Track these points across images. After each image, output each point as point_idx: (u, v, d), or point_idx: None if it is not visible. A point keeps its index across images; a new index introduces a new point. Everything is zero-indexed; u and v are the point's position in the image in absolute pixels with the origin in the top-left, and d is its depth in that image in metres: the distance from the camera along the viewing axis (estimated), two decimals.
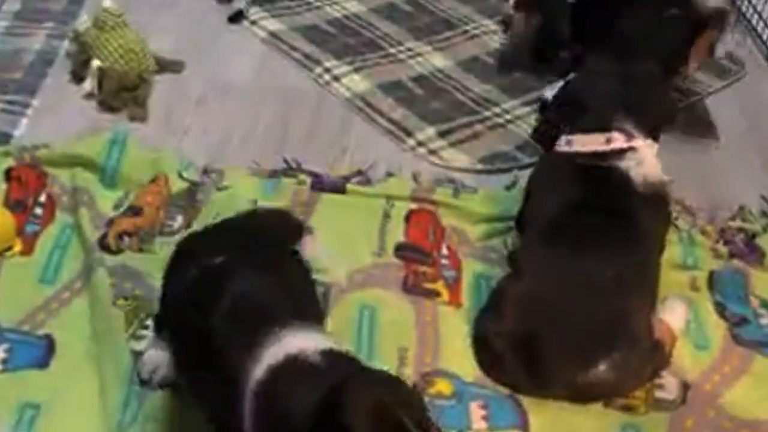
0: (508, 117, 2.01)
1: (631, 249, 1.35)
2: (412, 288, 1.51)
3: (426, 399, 1.27)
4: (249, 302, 1.12)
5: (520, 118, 2.01)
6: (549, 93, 1.88)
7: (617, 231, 1.36)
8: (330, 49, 2.19)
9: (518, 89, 2.10)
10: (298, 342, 1.03)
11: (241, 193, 1.66)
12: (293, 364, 1.01)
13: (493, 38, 2.31)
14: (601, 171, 1.41)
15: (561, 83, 1.83)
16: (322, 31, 2.27)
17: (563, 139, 1.46)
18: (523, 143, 1.91)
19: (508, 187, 1.78)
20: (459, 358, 1.39)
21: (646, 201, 1.39)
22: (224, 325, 1.09)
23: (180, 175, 1.69)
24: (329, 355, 1.02)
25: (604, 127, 1.43)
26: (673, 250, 1.58)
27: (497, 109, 2.03)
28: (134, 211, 1.61)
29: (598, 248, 1.34)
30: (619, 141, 1.42)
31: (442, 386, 1.34)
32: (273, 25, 2.27)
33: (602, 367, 1.29)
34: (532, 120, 1.97)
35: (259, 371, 1.01)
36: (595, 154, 1.42)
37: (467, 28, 2.34)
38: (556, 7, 2.04)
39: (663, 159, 1.45)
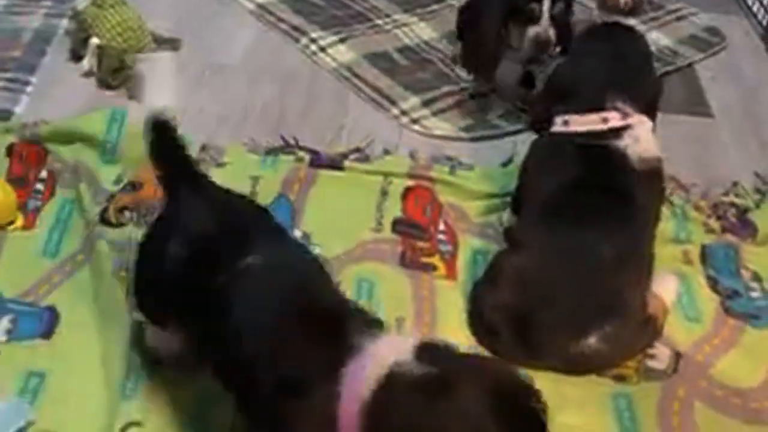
0: (491, 87, 1.98)
1: (628, 226, 1.35)
2: (409, 262, 1.51)
3: None
4: (311, 310, 1.03)
5: None
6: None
7: (615, 208, 1.36)
8: (317, 20, 2.19)
9: None
10: (384, 348, 0.94)
11: (239, 170, 1.65)
12: (401, 374, 0.91)
13: None
14: (598, 150, 1.40)
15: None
16: (310, 2, 2.27)
17: (559, 120, 1.45)
18: (505, 112, 1.92)
19: (505, 164, 1.77)
20: (454, 330, 1.39)
21: (643, 178, 1.38)
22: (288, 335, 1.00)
23: None
24: (425, 351, 0.93)
25: (599, 107, 1.42)
26: (666, 225, 1.58)
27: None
28: (134, 186, 1.59)
29: (595, 225, 1.34)
30: (614, 119, 1.40)
31: None
32: None
33: (594, 339, 1.29)
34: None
35: (359, 390, 0.91)
36: (592, 134, 1.41)
37: (453, 1, 2.31)
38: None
39: (658, 136, 1.44)
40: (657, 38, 2.22)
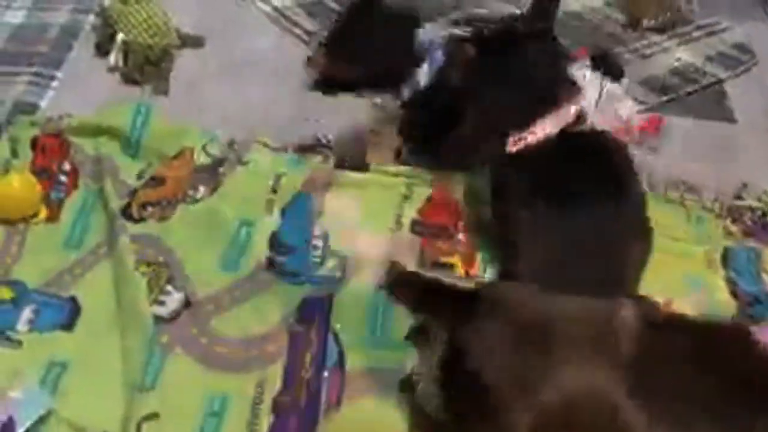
0: None
1: (624, 203, 1.32)
2: (428, 261, 1.48)
3: None
4: None
5: None
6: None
7: (608, 192, 1.32)
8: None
9: None
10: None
11: (263, 168, 1.61)
12: None
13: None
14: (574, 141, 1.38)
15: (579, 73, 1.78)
16: (327, 7, 2.20)
17: (516, 137, 1.38)
18: None
19: None
20: None
21: (616, 152, 1.38)
22: None
23: (204, 149, 1.63)
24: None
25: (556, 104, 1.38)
26: (684, 229, 1.55)
27: None
28: (157, 181, 1.57)
29: (594, 213, 1.29)
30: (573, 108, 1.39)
31: None
32: (278, 1, 2.19)
33: None
34: None
35: None
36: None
37: (477, 9, 2.24)
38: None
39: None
40: (683, 55, 2.12)
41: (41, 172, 1.54)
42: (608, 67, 1.88)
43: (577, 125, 1.39)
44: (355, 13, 1.88)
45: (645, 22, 2.18)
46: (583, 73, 1.84)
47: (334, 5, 2.20)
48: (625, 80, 1.90)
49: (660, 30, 2.18)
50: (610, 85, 1.82)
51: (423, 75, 1.70)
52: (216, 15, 2.10)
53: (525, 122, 1.37)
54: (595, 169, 1.34)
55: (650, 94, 1.95)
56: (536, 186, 1.33)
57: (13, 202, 1.45)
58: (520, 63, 1.45)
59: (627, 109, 1.81)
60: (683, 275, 1.45)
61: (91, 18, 2.01)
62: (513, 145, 1.38)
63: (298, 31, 2.09)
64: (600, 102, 1.80)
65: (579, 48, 2.05)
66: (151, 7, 1.89)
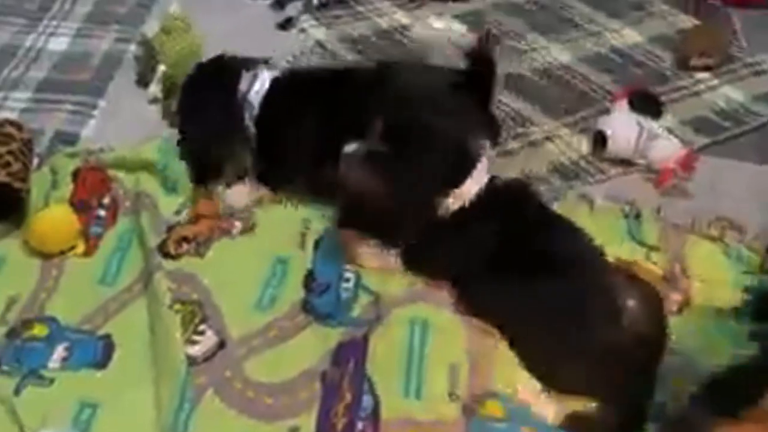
0: (546, 135, 1.88)
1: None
2: (461, 305, 1.40)
3: (478, 421, 1.21)
4: None
5: (560, 138, 1.87)
6: (608, 125, 1.76)
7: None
8: (373, 59, 2.09)
9: (560, 109, 1.96)
10: None
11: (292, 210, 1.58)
12: None
13: (542, 54, 2.18)
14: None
15: (623, 113, 1.72)
16: (369, 41, 2.19)
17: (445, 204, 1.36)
18: (558, 165, 1.79)
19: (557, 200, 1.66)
20: (511, 379, 1.30)
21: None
22: None
23: None
24: None
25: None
26: (723, 266, 1.51)
27: (535, 128, 1.90)
28: (193, 219, 1.55)
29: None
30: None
31: (494, 408, 1.26)
32: (321, 33, 2.20)
33: None
34: (573, 142, 1.85)
35: None
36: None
37: (516, 44, 2.22)
38: None
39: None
40: (729, 94, 2.05)
41: (81, 206, 1.52)
42: (647, 106, 1.84)
43: None
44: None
45: (693, 61, 2.12)
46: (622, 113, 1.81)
47: (375, 39, 2.18)
48: (665, 119, 1.86)
49: (706, 68, 2.12)
50: (649, 125, 1.78)
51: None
52: (258, 47, 2.07)
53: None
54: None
55: (694, 134, 1.89)
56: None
57: (51, 236, 1.44)
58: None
59: (667, 148, 1.76)
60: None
61: (133, 47, 2.01)
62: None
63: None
64: (640, 142, 1.75)
65: (620, 87, 2.02)
66: (192, 38, 1.88)
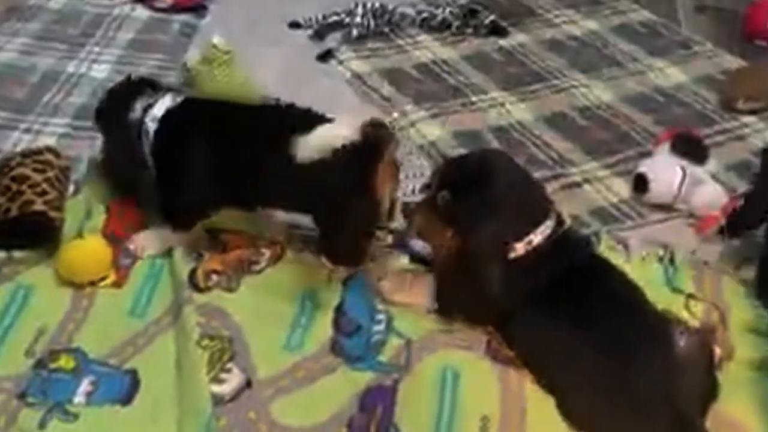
0: (586, 177, 1.84)
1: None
2: (495, 352, 1.38)
3: None
4: None
5: (599, 180, 1.83)
6: (649, 169, 1.72)
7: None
8: (410, 93, 2.09)
9: (602, 151, 1.92)
10: None
11: None
12: None
13: (582, 91, 2.14)
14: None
15: (666, 156, 1.68)
16: (406, 74, 2.17)
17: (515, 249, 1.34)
18: (597, 208, 1.75)
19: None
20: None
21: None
22: None
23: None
24: None
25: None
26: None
27: (575, 169, 1.86)
28: (221, 247, 1.53)
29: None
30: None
31: None
32: (359, 66, 2.19)
33: None
34: (613, 184, 1.81)
35: None
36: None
37: (557, 81, 2.19)
38: None
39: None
40: None
41: (112, 237, 1.51)
42: (691, 149, 1.79)
43: None
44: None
45: (739, 104, 2.07)
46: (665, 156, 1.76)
47: (413, 72, 2.16)
48: (710, 163, 1.80)
49: (752, 111, 2.07)
50: (692, 169, 1.73)
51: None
52: (297, 78, 2.08)
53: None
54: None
55: (739, 179, 1.83)
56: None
57: (83, 266, 1.42)
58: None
59: (711, 195, 1.71)
60: None
61: (173, 77, 2.01)
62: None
63: (376, 96, 2.06)
64: (683, 187, 1.70)
65: (663, 128, 1.98)
66: (234, 69, 1.88)
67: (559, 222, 1.38)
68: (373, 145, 1.32)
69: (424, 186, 1.49)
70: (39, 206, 1.44)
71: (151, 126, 1.46)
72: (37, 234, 1.46)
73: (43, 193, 1.46)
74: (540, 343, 1.34)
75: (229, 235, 1.54)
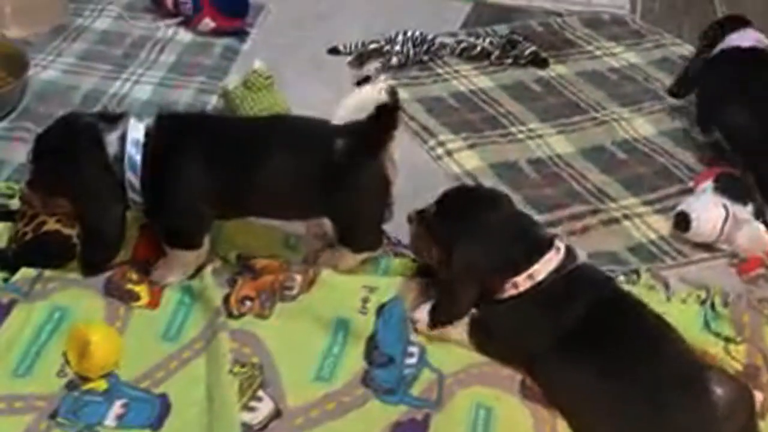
0: (625, 213, 1.80)
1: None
2: (529, 390, 1.35)
3: None
4: None
5: (639, 216, 1.79)
6: (692, 207, 1.68)
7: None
8: (448, 122, 2.06)
9: (642, 186, 1.89)
10: None
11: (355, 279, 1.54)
12: None
13: (623, 126, 2.11)
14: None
15: (708, 195, 1.63)
16: (445, 103, 2.15)
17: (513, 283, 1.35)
18: (636, 245, 1.71)
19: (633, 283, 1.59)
20: None
21: None
22: None
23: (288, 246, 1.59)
24: None
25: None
26: None
27: (614, 204, 1.83)
28: (253, 272, 1.52)
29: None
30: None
31: None
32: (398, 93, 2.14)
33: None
34: (653, 221, 1.77)
35: None
36: None
37: (596, 114, 2.15)
38: None
39: None
40: None
41: (139, 265, 1.50)
42: (734, 188, 1.75)
43: None
44: None
45: None
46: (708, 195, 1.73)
47: (453, 102, 2.15)
48: (755, 203, 1.76)
49: None
50: (736, 208, 1.69)
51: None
52: (335, 104, 2.06)
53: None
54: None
55: None
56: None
57: (89, 361, 1.30)
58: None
59: (755, 236, 1.67)
60: None
61: (214, 99, 2.02)
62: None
63: (414, 125, 2.04)
64: (725, 227, 1.66)
65: (704, 165, 1.94)
66: (274, 94, 1.88)
67: (570, 257, 1.36)
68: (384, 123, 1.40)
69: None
70: (51, 225, 1.44)
71: (135, 153, 1.37)
72: (54, 253, 1.45)
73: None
74: (567, 387, 1.32)
75: (261, 261, 1.53)
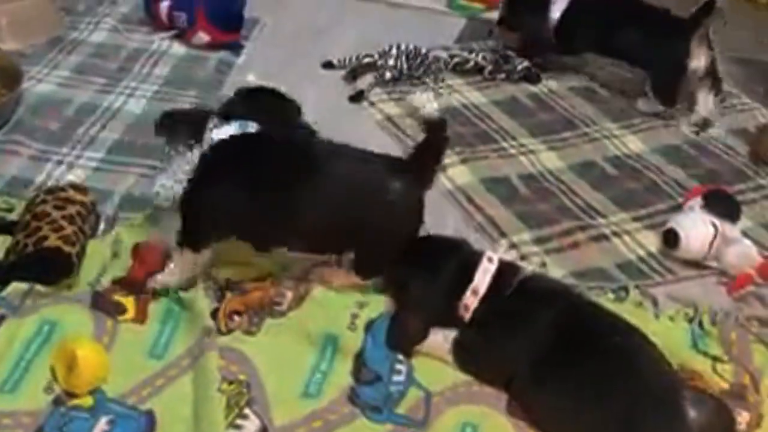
0: (614, 229, 1.79)
1: None
2: (516, 409, 1.34)
3: None
4: None
5: (628, 233, 1.79)
6: (681, 224, 1.68)
7: None
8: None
9: (632, 202, 1.89)
10: None
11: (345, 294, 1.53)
12: None
13: (614, 142, 2.11)
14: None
15: (697, 212, 1.65)
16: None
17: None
18: (624, 262, 1.70)
19: (621, 300, 1.59)
20: None
21: None
22: None
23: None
24: None
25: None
26: None
27: (603, 220, 1.82)
28: (242, 290, 1.51)
29: None
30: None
31: None
32: (390, 108, 2.17)
33: None
34: (642, 238, 1.77)
35: None
36: None
37: (588, 130, 2.16)
38: None
39: None
40: None
41: (134, 284, 1.49)
42: (723, 206, 1.75)
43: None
44: None
45: None
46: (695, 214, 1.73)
47: (445, 116, 2.13)
48: (742, 221, 1.76)
49: None
50: (725, 226, 1.69)
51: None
52: (328, 118, 2.06)
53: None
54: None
55: None
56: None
57: (76, 377, 1.30)
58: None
59: (743, 254, 1.67)
60: None
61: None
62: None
63: (408, 141, 2.02)
64: (714, 245, 1.66)
65: (694, 181, 1.95)
66: None
67: (511, 267, 1.41)
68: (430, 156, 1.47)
69: None
70: (53, 241, 1.44)
71: (199, 148, 1.42)
72: (53, 269, 1.45)
73: (60, 228, 1.46)
74: (543, 408, 1.31)
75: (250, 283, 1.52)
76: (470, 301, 1.38)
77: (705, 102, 2.18)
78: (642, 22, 2.19)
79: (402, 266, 1.45)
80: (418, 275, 1.42)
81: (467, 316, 1.38)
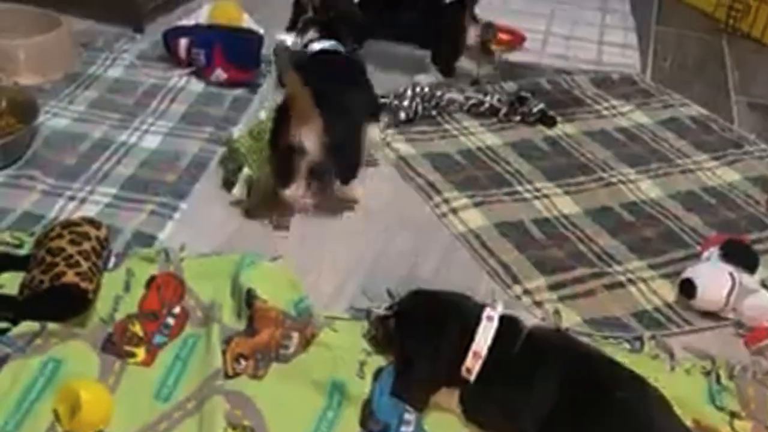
0: (630, 277, 1.76)
1: None
2: None
3: None
4: None
5: (644, 281, 1.75)
6: (698, 274, 1.65)
7: None
8: (453, 179, 2.04)
9: (649, 250, 1.85)
10: None
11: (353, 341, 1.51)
12: None
13: (630, 187, 2.08)
14: None
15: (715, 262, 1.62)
16: (452, 160, 2.13)
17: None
18: (640, 311, 1.67)
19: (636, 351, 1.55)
20: None
21: None
22: None
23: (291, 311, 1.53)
24: None
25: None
26: None
27: (619, 267, 1.79)
28: (251, 331, 1.48)
29: None
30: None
31: None
32: (405, 149, 2.16)
33: None
34: (658, 286, 1.73)
35: None
36: None
37: (604, 175, 2.13)
38: None
39: None
40: None
41: (149, 315, 1.48)
42: (741, 256, 1.72)
43: None
44: None
45: None
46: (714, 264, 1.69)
47: (459, 158, 2.14)
48: (760, 271, 1.72)
49: None
50: (743, 277, 1.65)
51: None
52: None
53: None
54: None
55: None
56: None
57: (80, 420, 1.28)
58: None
59: (762, 305, 1.63)
60: None
61: (222, 149, 2.01)
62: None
63: (420, 181, 2.02)
64: (731, 296, 1.62)
65: (711, 229, 1.92)
66: None
67: (512, 323, 1.39)
68: None
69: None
70: (70, 278, 1.42)
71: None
72: (69, 305, 1.43)
73: (76, 264, 1.45)
74: None
75: (262, 320, 1.48)
76: (471, 363, 1.36)
77: (477, 66, 2.52)
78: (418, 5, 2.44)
79: (404, 337, 1.43)
80: (421, 352, 1.39)
81: (471, 377, 1.36)
